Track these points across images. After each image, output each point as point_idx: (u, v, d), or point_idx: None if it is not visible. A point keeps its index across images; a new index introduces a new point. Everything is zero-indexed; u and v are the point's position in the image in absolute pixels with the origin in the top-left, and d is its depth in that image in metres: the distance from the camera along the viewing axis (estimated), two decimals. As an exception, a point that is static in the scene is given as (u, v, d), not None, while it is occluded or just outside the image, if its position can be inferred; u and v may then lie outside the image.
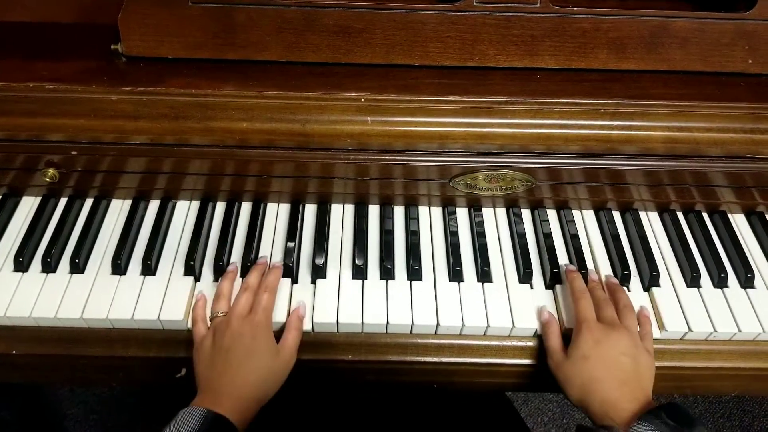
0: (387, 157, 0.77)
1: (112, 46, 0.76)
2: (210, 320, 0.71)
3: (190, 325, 0.73)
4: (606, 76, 0.77)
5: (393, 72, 0.77)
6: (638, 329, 0.71)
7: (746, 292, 0.78)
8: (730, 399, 1.53)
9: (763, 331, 0.74)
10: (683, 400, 1.53)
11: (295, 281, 0.77)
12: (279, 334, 0.71)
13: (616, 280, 0.78)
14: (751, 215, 0.87)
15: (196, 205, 0.84)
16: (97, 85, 0.72)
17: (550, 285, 0.78)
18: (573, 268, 0.77)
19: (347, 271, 0.78)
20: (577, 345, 0.68)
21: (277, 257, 0.79)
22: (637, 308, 0.74)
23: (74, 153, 0.76)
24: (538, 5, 0.73)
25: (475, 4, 0.73)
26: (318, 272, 0.77)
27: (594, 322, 0.69)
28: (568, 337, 0.71)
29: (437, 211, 0.85)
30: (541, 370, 0.74)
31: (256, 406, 0.65)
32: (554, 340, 0.71)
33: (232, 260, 0.79)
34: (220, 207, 0.85)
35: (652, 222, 0.86)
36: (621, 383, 0.64)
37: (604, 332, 0.68)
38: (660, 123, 0.74)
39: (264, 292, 0.71)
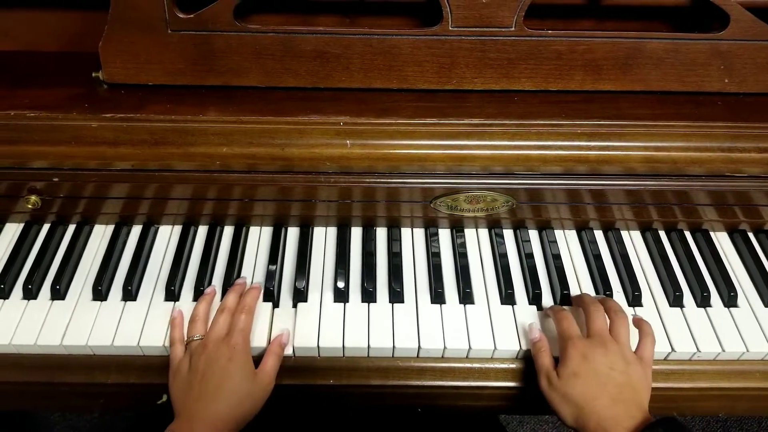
0: (367, 180, 0.77)
1: (93, 74, 0.77)
2: (186, 344, 0.71)
3: (168, 344, 0.72)
4: (583, 97, 0.78)
5: (371, 96, 0.77)
6: (628, 337, 0.69)
7: (729, 311, 0.77)
8: (728, 418, 1.51)
9: (747, 351, 0.73)
10: (681, 419, 1.51)
11: (276, 305, 0.77)
12: (258, 359, 0.70)
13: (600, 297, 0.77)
14: (733, 233, 0.87)
15: (178, 229, 0.85)
16: (77, 113, 0.73)
17: (532, 306, 0.77)
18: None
19: (329, 294, 0.77)
20: (565, 364, 0.66)
21: (259, 281, 0.79)
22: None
23: (56, 180, 0.76)
24: (513, 29, 0.74)
25: (450, 28, 0.74)
26: (299, 296, 0.77)
27: (578, 337, 0.68)
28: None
29: (419, 233, 0.86)
30: (525, 393, 0.73)
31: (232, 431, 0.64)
32: (545, 359, 0.69)
33: (213, 284, 0.79)
34: (202, 231, 0.85)
35: (634, 241, 0.86)
36: (616, 400, 0.63)
37: (590, 346, 0.66)
38: (637, 143, 0.74)
39: (241, 313, 0.71)
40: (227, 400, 0.65)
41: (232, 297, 0.74)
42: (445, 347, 0.72)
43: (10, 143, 0.73)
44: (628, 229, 0.87)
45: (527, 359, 0.73)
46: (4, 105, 0.73)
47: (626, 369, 0.65)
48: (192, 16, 0.73)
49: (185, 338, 0.72)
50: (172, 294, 0.76)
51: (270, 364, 0.69)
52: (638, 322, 0.72)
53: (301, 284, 0.77)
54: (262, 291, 0.77)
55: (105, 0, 0.71)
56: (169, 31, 0.73)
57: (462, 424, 1.01)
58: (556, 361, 0.69)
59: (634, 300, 0.78)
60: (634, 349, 0.69)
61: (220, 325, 0.70)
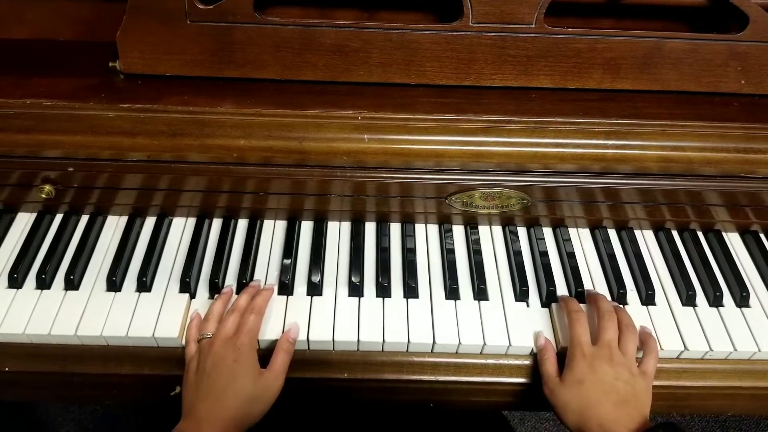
0: (383, 175, 0.77)
1: (110, 64, 0.76)
2: (198, 342, 0.70)
3: (184, 343, 0.72)
4: (601, 95, 0.78)
5: (390, 91, 0.77)
6: (635, 351, 0.70)
7: (741, 311, 0.78)
8: (727, 418, 1.52)
9: (759, 350, 0.74)
10: (680, 420, 1.52)
11: (291, 298, 0.77)
12: (271, 354, 0.70)
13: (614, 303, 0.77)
14: (745, 234, 0.87)
15: (192, 221, 0.84)
16: (94, 102, 0.73)
17: (546, 303, 0.78)
18: (567, 296, 0.78)
19: (343, 289, 0.77)
20: (571, 370, 0.67)
21: (273, 274, 0.79)
22: (637, 327, 0.74)
23: (71, 169, 0.76)
24: (533, 26, 0.74)
25: (471, 24, 0.74)
26: (314, 289, 0.77)
27: (588, 345, 0.69)
28: (565, 355, 0.71)
29: (434, 229, 0.86)
30: (537, 389, 0.73)
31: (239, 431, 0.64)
32: (550, 367, 0.70)
33: (228, 277, 0.79)
34: (217, 223, 0.85)
35: (647, 240, 0.86)
36: (618, 405, 0.64)
37: (597, 356, 0.67)
38: (654, 142, 0.75)
39: (250, 314, 0.70)
40: (233, 400, 0.64)
41: (244, 298, 0.73)
42: (459, 343, 0.72)
43: (25, 132, 0.72)
44: (641, 228, 0.87)
45: (540, 356, 0.73)
46: (20, 93, 0.73)
47: (631, 380, 0.66)
48: (212, 7, 0.72)
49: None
50: (186, 286, 0.76)
51: (279, 363, 0.69)
52: (645, 337, 0.73)
53: (316, 278, 0.77)
54: (277, 285, 0.77)
55: (123, -11, 0.71)
56: (189, 22, 0.73)
57: (468, 421, 1.01)
58: (560, 356, 0.70)
59: (647, 299, 0.78)
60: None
61: (229, 325, 0.70)
